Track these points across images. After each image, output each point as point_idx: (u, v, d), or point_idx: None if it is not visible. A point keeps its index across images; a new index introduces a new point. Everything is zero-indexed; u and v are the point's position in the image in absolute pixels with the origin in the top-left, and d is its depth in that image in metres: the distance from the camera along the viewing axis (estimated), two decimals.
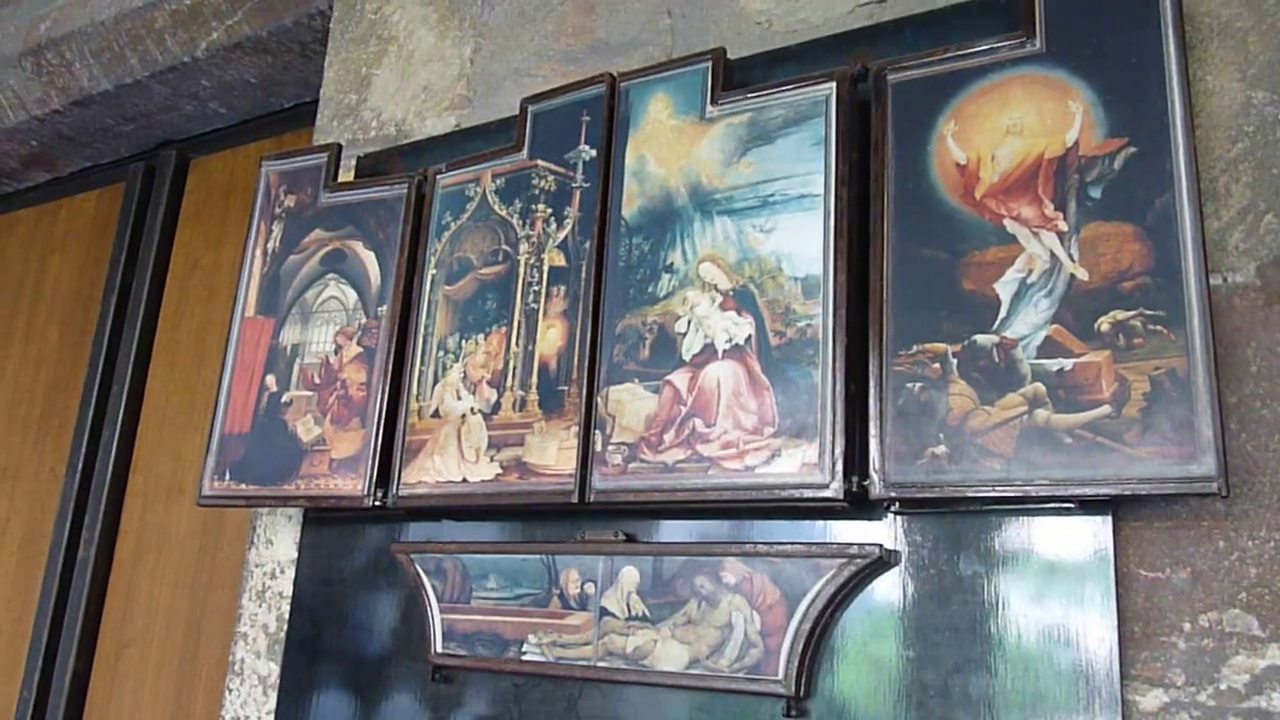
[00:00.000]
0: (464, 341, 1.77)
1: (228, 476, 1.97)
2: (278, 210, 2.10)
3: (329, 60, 2.43)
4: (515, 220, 1.78)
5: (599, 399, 1.58)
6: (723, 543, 1.52)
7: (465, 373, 1.75)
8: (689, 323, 1.54)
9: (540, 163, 1.78)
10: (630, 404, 1.56)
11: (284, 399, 1.96)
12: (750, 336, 1.49)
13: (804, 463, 1.39)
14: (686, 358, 1.53)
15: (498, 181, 1.82)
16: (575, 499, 1.56)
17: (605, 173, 1.69)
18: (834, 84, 1.51)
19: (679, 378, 1.53)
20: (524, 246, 1.75)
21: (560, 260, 1.70)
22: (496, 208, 1.81)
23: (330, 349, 1.93)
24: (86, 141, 3.25)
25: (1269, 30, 1.37)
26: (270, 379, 1.99)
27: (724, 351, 1.50)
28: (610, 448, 1.56)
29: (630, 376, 1.57)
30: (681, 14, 1.87)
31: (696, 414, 1.50)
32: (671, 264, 1.58)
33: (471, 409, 1.72)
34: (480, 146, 1.95)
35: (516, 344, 1.71)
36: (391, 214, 1.94)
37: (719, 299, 1.53)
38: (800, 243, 1.48)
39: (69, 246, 3.34)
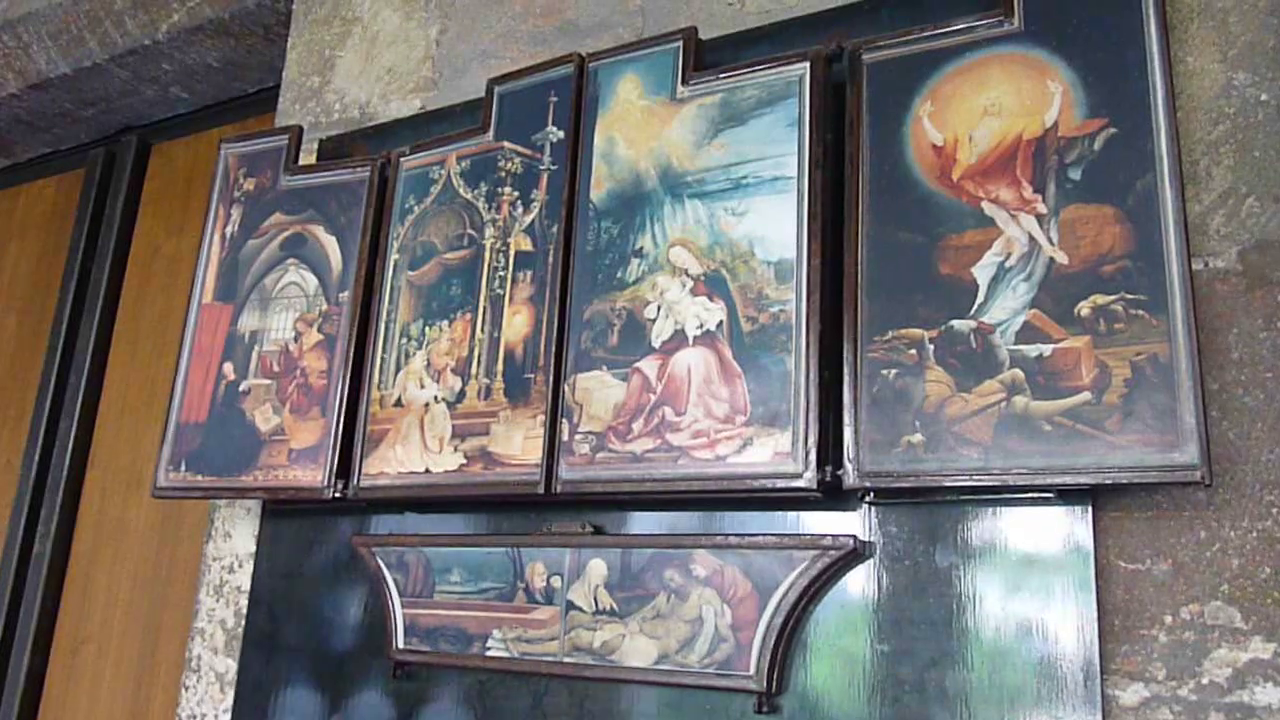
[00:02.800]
0: (428, 328, 1.72)
1: (184, 467, 1.91)
2: (237, 194, 2.05)
3: (291, 42, 2.38)
4: (481, 204, 1.73)
5: (565, 387, 1.54)
6: (693, 534, 1.48)
7: (429, 360, 1.70)
8: (659, 309, 1.50)
9: (506, 145, 1.73)
10: (598, 392, 1.52)
11: (242, 387, 1.90)
12: (721, 322, 1.45)
13: (776, 452, 1.35)
14: (656, 344, 1.49)
15: (463, 164, 1.77)
16: (541, 490, 1.52)
17: (573, 155, 1.64)
18: (808, 64, 1.47)
19: (648, 365, 1.49)
20: (490, 230, 1.70)
21: (527, 245, 1.66)
22: (461, 191, 1.76)
23: (290, 336, 1.88)
24: (45, 127, 3.16)
25: (1249, 10, 1.34)
26: (228, 367, 1.93)
27: (695, 338, 1.46)
28: (577, 437, 1.51)
29: (598, 364, 1.53)
30: None
31: (666, 402, 1.46)
32: (641, 248, 1.54)
33: (435, 397, 1.67)
34: (445, 129, 1.91)
35: (482, 330, 1.66)
36: (354, 197, 1.89)
37: (690, 284, 1.49)
38: (773, 226, 1.44)
39: (28, 234, 3.27)
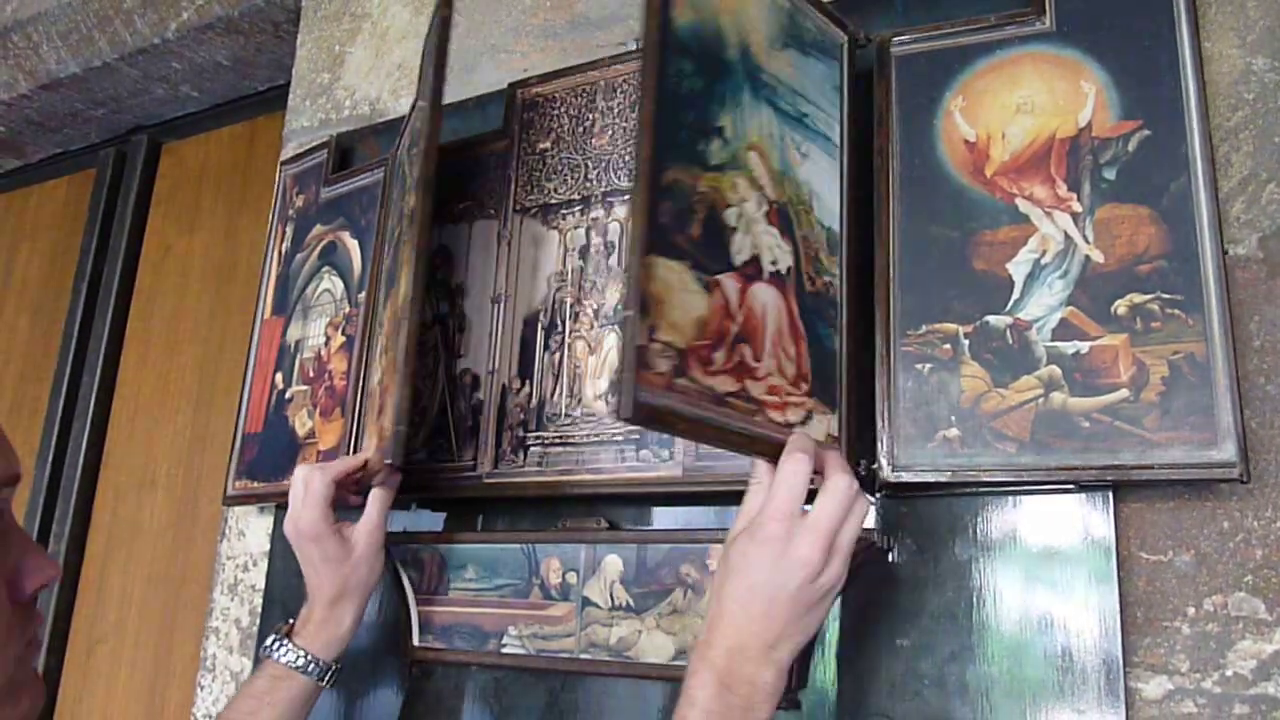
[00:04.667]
0: (383, 309, 1.73)
1: (245, 475, 1.96)
2: (290, 212, 2.10)
3: (301, 39, 2.37)
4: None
5: (641, 269, 1.09)
6: (708, 529, 1.47)
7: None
8: (738, 217, 1.23)
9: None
10: (680, 294, 1.13)
11: (287, 395, 1.94)
12: (790, 269, 1.27)
13: (829, 434, 1.28)
14: (736, 262, 1.21)
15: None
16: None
17: None
18: (847, 38, 1.43)
19: (730, 284, 1.19)
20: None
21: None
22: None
23: (321, 341, 1.91)
24: (56, 127, 3.16)
25: None
26: (278, 377, 1.97)
27: (769, 274, 1.24)
28: (656, 345, 1.09)
29: (681, 255, 1.14)
30: None
31: (745, 339, 1.19)
32: (722, 128, 1.23)
33: (378, 380, 1.68)
34: (455, 124, 1.90)
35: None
36: (372, 199, 1.91)
37: (765, 207, 1.26)
38: (827, 187, 1.35)
39: (39, 235, 3.27)
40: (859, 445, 1.31)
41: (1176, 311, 1.20)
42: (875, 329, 1.35)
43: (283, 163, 2.16)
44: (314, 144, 2.14)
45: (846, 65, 1.42)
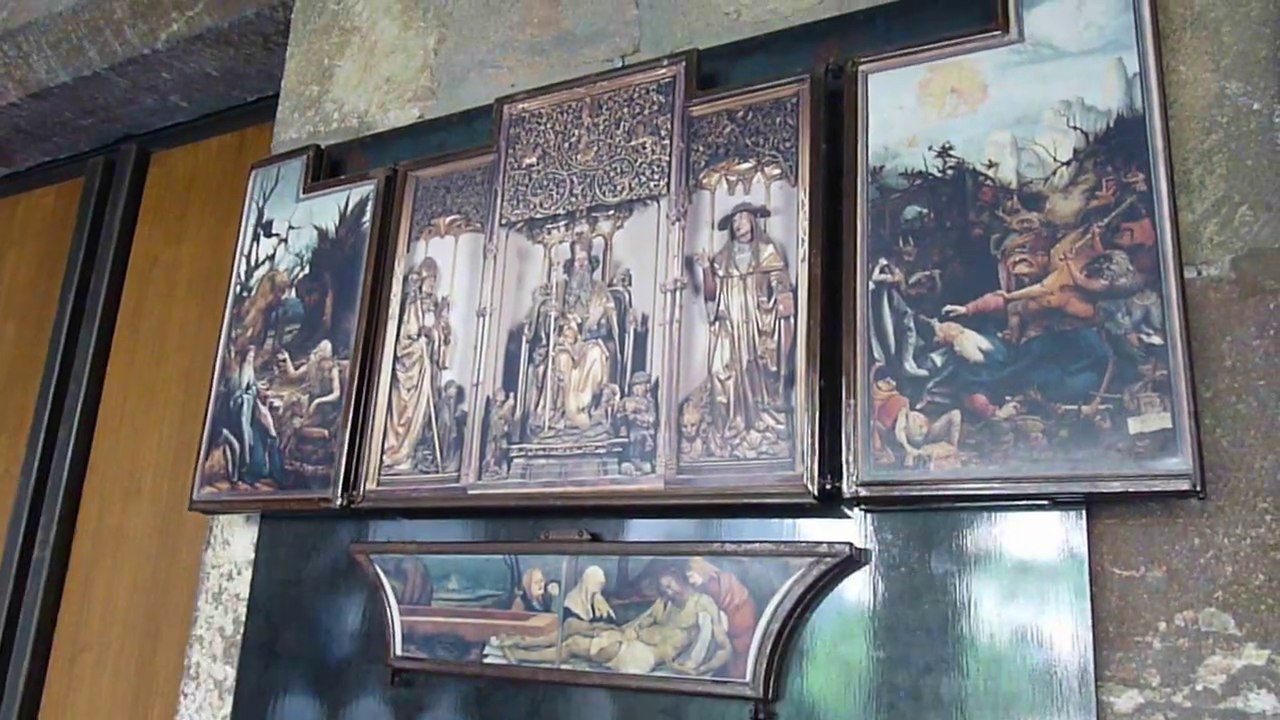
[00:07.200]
0: None
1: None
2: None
3: (290, 51, 2.38)
4: None
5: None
6: (689, 541, 1.48)
7: None
8: None
9: None
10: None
11: None
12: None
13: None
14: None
15: None
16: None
17: None
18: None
19: None
20: None
21: None
22: None
23: None
24: (45, 135, 3.17)
25: (1242, 20, 1.35)
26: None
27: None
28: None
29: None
30: (649, 4, 1.84)
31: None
32: None
33: None
34: (443, 138, 1.92)
35: None
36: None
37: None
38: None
39: (27, 242, 3.27)
40: (824, 460, 1.34)
41: None
42: (842, 342, 1.37)
43: (253, 165, 2.17)
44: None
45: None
